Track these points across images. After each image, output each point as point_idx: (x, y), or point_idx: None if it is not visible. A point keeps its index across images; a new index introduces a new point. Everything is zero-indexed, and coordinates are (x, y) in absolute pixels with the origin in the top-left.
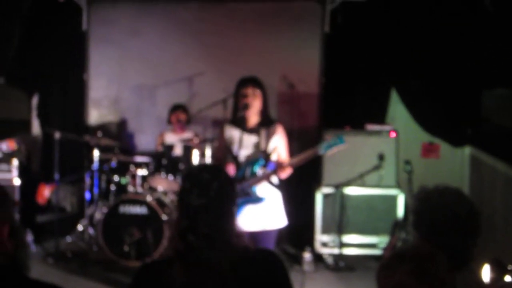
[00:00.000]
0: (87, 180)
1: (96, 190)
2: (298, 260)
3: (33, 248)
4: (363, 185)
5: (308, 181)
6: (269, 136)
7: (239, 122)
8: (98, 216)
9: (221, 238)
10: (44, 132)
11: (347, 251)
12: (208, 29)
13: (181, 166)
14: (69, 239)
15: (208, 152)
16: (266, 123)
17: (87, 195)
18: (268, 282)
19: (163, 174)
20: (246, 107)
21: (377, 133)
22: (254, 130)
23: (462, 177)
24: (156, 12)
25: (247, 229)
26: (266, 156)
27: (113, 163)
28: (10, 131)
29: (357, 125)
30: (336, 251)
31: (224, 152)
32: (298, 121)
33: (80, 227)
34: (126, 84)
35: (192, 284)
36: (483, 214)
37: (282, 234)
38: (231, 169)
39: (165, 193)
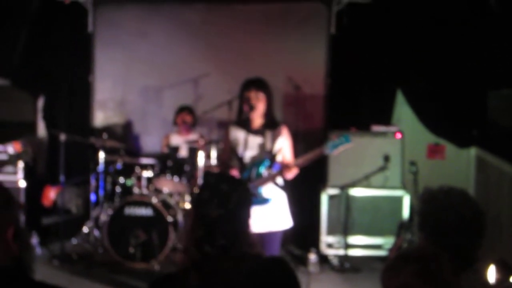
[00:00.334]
0: (93, 182)
1: (101, 192)
2: (303, 261)
3: (39, 250)
4: (368, 186)
5: (313, 182)
6: (274, 138)
7: (244, 123)
8: (103, 218)
9: (236, 248)
10: (50, 134)
11: (353, 252)
12: (214, 30)
13: (187, 167)
14: (74, 241)
15: (214, 153)
16: (271, 125)
17: (93, 197)
18: None
19: (168, 176)
20: (251, 109)
21: (383, 134)
22: (259, 132)
23: (467, 178)
24: (162, 14)
25: (253, 230)
26: (272, 157)
27: (119, 165)
28: (16, 133)
29: (363, 126)
30: (341, 252)
31: (229, 153)
32: (304, 123)
33: (85, 229)
34: (131, 86)
35: None
36: (489, 215)
37: (287, 235)
38: (235, 172)
39: (170, 194)
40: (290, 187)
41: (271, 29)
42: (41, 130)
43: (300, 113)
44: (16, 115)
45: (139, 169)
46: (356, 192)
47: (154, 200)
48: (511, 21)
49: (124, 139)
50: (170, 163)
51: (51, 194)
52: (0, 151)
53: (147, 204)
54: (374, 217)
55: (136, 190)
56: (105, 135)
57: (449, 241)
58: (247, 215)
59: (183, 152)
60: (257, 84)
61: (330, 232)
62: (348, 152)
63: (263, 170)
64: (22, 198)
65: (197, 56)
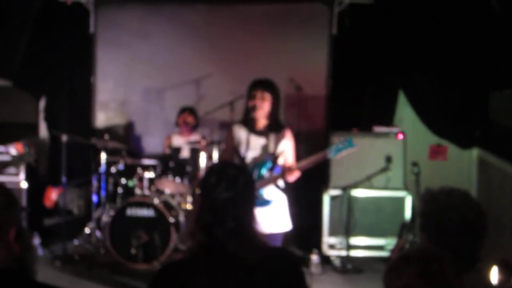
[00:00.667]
0: (94, 183)
1: (103, 193)
2: (305, 262)
3: (41, 251)
4: (370, 187)
5: (315, 183)
6: (277, 140)
7: (248, 123)
8: (105, 219)
9: (245, 233)
10: (52, 135)
11: (355, 253)
12: (216, 31)
13: (188, 168)
14: (76, 242)
15: (215, 154)
16: (275, 127)
17: (94, 198)
18: (289, 281)
19: (170, 177)
20: (253, 108)
21: (385, 135)
22: (262, 133)
23: (470, 179)
24: (163, 15)
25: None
26: (274, 159)
27: (120, 166)
28: (18, 134)
29: (365, 127)
30: (343, 253)
31: (231, 153)
32: (306, 124)
33: (87, 230)
34: (133, 86)
35: (215, 279)
36: (491, 216)
37: (289, 236)
38: None
39: (172, 195)
40: (292, 188)
41: (272, 30)
42: (43, 131)
43: (302, 114)
44: (17, 116)
45: (141, 170)
46: (358, 193)
47: (156, 201)
48: None
49: (126, 140)
50: (172, 164)
51: (53, 195)
52: (2, 152)
53: (149, 205)
54: (376, 218)
55: (138, 191)
56: (107, 136)
57: (451, 242)
58: (253, 198)
59: (185, 153)
60: (264, 84)
61: (332, 233)
62: (350, 153)
63: (265, 172)
64: (24, 199)
65: (198, 56)
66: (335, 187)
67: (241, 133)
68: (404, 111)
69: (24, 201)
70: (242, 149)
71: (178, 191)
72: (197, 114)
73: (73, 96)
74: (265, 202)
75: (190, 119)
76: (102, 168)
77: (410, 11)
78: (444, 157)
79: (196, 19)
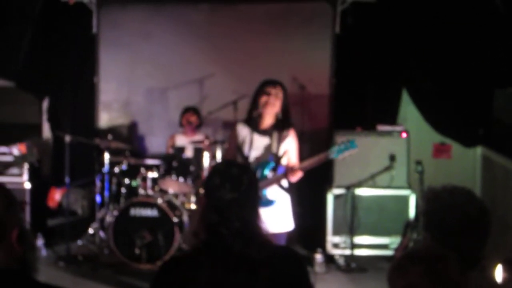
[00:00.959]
0: (98, 183)
1: (106, 193)
2: (309, 262)
3: (44, 251)
4: (374, 186)
5: (319, 182)
6: (281, 140)
7: (253, 122)
8: (109, 219)
9: (251, 233)
10: (55, 136)
11: (359, 252)
12: (218, 31)
13: (192, 168)
14: (80, 242)
15: (219, 154)
16: (281, 127)
17: (98, 198)
18: (293, 279)
19: (173, 177)
20: (265, 104)
21: (389, 133)
22: (266, 132)
23: (474, 177)
24: (166, 15)
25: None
26: (277, 159)
27: (124, 166)
28: (21, 135)
29: (368, 126)
30: (347, 252)
31: (234, 151)
32: (309, 123)
33: (91, 231)
34: (136, 86)
35: (217, 275)
36: (496, 214)
37: (293, 235)
38: None
39: (175, 195)
40: (295, 188)
41: (275, 29)
42: (46, 131)
43: (305, 113)
44: (21, 117)
45: (144, 170)
46: (362, 191)
47: (160, 201)
48: None
49: (129, 140)
50: (175, 163)
51: (56, 195)
52: (5, 153)
53: (152, 205)
54: (380, 217)
55: (141, 191)
56: (110, 136)
57: (455, 241)
58: (257, 198)
59: (189, 153)
60: (280, 84)
61: (336, 232)
62: (352, 154)
63: (268, 172)
64: (27, 199)
65: (201, 56)
66: (339, 186)
67: (245, 132)
68: (408, 109)
69: (27, 202)
70: (246, 149)
71: (181, 191)
72: (200, 113)
73: (76, 97)
74: (269, 202)
75: (193, 119)
76: (106, 168)
77: (413, 9)
78: (448, 156)
79: (198, 19)
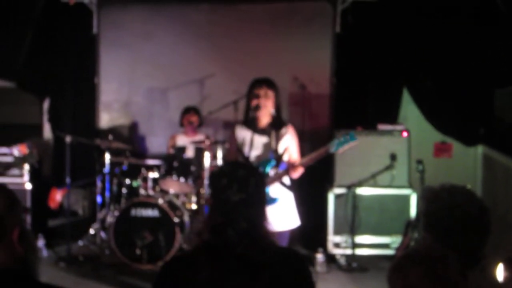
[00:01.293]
0: (99, 184)
1: (107, 194)
2: (310, 261)
3: (45, 252)
4: (375, 185)
5: (320, 182)
6: (280, 138)
7: (250, 123)
8: (109, 219)
9: (257, 234)
10: (55, 136)
11: (360, 251)
12: (219, 31)
13: (193, 168)
14: (81, 243)
15: (220, 154)
16: (277, 125)
17: (99, 199)
18: (295, 282)
19: (174, 177)
20: (257, 107)
21: (389, 133)
22: (265, 131)
23: (475, 176)
24: (167, 15)
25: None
26: (278, 156)
27: (125, 166)
28: (22, 135)
29: (369, 125)
30: (348, 251)
31: (235, 153)
32: (310, 122)
33: (92, 231)
34: (137, 87)
35: (217, 274)
36: (497, 213)
37: (294, 235)
38: None
39: (176, 195)
40: (296, 187)
41: (276, 29)
42: (47, 132)
43: (306, 113)
44: (21, 117)
45: (145, 170)
46: (363, 191)
47: (160, 201)
48: None
49: (130, 140)
50: (176, 164)
51: (57, 196)
52: (5, 154)
53: (153, 205)
54: (381, 216)
55: (142, 191)
56: (110, 137)
57: (456, 240)
58: (264, 199)
59: (189, 153)
60: (267, 82)
61: (337, 231)
62: (354, 151)
63: (270, 170)
64: (28, 200)
65: (202, 56)
66: (340, 186)
67: (244, 133)
68: (408, 108)
69: (28, 202)
70: (246, 149)
71: (182, 191)
72: (201, 113)
73: (77, 97)
74: (272, 200)
75: (194, 119)
76: (106, 168)
77: (413, 8)
78: (449, 155)
79: (199, 19)
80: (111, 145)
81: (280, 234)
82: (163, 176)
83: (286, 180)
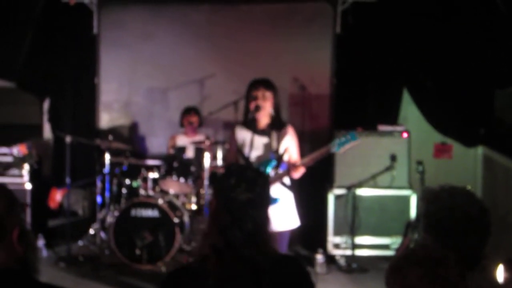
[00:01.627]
0: (99, 184)
1: (107, 194)
2: (310, 262)
3: (45, 252)
4: (375, 186)
5: (320, 182)
6: (280, 138)
7: (250, 123)
8: (109, 219)
9: (261, 236)
10: (56, 136)
11: (360, 252)
12: (219, 31)
13: (193, 168)
14: (81, 243)
15: (220, 154)
16: (277, 125)
17: (99, 199)
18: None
19: (174, 177)
20: (256, 109)
21: (389, 133)
22: (265, 132)
23: (475, 177)
24: (167, 15)
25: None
26: (278, 157)
27: (125, 167)
28: (22, 136)
29: (369, 126)
30: (348, 252)
31: (235, 154)
32: (310, 123)
33: (91, 231)
34: (137, 87)
35: (226, 281)
36: (497, 214)
37: (294, 236)
38: None
39: (176, 196)
40: (296, 188)
41: (276, 29)
42: (47, 132)
43: (306, 113)
44: (21, 118)
45: (145, 170)
46: (363, 192)
47: (160, 201)
48: None
49: (130, 140)
50: (176, 164)
51: (57, 196)
52: (5, 154)
53: (153, 205)
54: (381, 217)
55: (142, 191)
56: (110, 137)
57: (456, 241)
58: (268, 201)
59: (189, 153)
60: (265, 83)
61: (337, 232)
62: (354, 152)
63: (270, 170)
64: (28, 200)
65: (202, 57)
66: (340, 186)
67: (244, 134)
68: (409, 109)
69: (28, 202)
70: (246, 150)
71: (182, 191)
72: (201, 114)
73: (77, 97)
74: (273, 201)
75: (194, 119)
76: (106, 169)
77: (413, 9)
78: (449, 156)
79: (199, 19)
80: (111, 145)
81: (280, 234)
82: (163, 177)
83: (286, 180)
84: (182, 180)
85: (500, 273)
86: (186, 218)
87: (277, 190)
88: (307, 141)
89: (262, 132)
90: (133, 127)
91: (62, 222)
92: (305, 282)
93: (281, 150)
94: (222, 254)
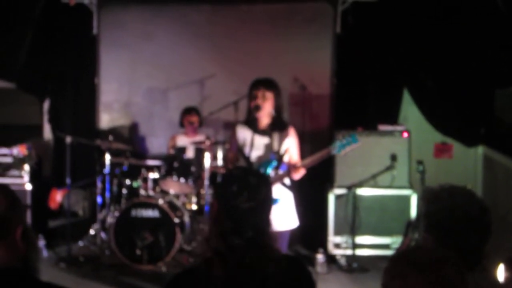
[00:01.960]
0: (99, 184)
1: (107, 194)
2: (311, 262)
3: (45, 253)
4: (375, 185)
5: (320, 182)
6: (281, 139)
7: (251, 123)
8: (110, 220)
9: (262, 242)
10: (56, 137)
11: (360, 252)
12: (219, 31)
13: (193, 169)
14: (81, 243)
15: (220, 154)
16: (278, 126)
17: (99, 199)
18: None
19: (174, 177)
20: (256, 108)
21: (390, 133)
22: (265, 132)
23: (475, 177)
24: (167, 15)
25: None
26: (279, 157)
27: (125, 167)
28: (22, 136)
29: (370, 126)
30: (349, 252)
31: (235, 153)
32: (310, 123)
33: (92, 232)
34: (137, 87)
35: (231, 285)
36: (498, 213)
37: (294, 235)
38: None
39: (177, 196)
40: (297, 187)
41: (276, 29)
42: (47, 132)
43: (306, 113)
44: (21, 118)
45: (145, 170)
46: (363, 191)
47: (161, 201)
48: None
49: (130, 141)
50: (176, 164)
51: (57, 196)
52: (5, 154)
53: (153, 205)
54: (382, 217)
55: (142, 192)
56: (111, 137)
57: (456, 241)
58: (271, 206)
59: (190, 153)
60: (265, 83)
61: (338, 232)
62: (355, 152)
63: (271, 171)
64: (28, 201)
65: (202, 57)
66: (340, 186)
67: (245, 133)
68: (409, 109)
69: (28, 203)
70: (247, 149)
71: (182, 192)
72: (201, 114)
73: (77, 98)
74: (273, 201)
75: (194, 119)
76: (107, 169)
77: (414, 8)
78: (449, 155)
79: (199, 19)
80: (111, 146)
81: (280, 234)
82: (163, 177)
83: (286, 180)
84: (182, 180)
85: (500, 273)
86: (186, 218)
87: (277, 190)
88: (307, 141)
89: (262, 132)
90: (133, 127)
91: (62, 223)
92: (307, 282)
93: (282, 151)
94: (225, 257)
